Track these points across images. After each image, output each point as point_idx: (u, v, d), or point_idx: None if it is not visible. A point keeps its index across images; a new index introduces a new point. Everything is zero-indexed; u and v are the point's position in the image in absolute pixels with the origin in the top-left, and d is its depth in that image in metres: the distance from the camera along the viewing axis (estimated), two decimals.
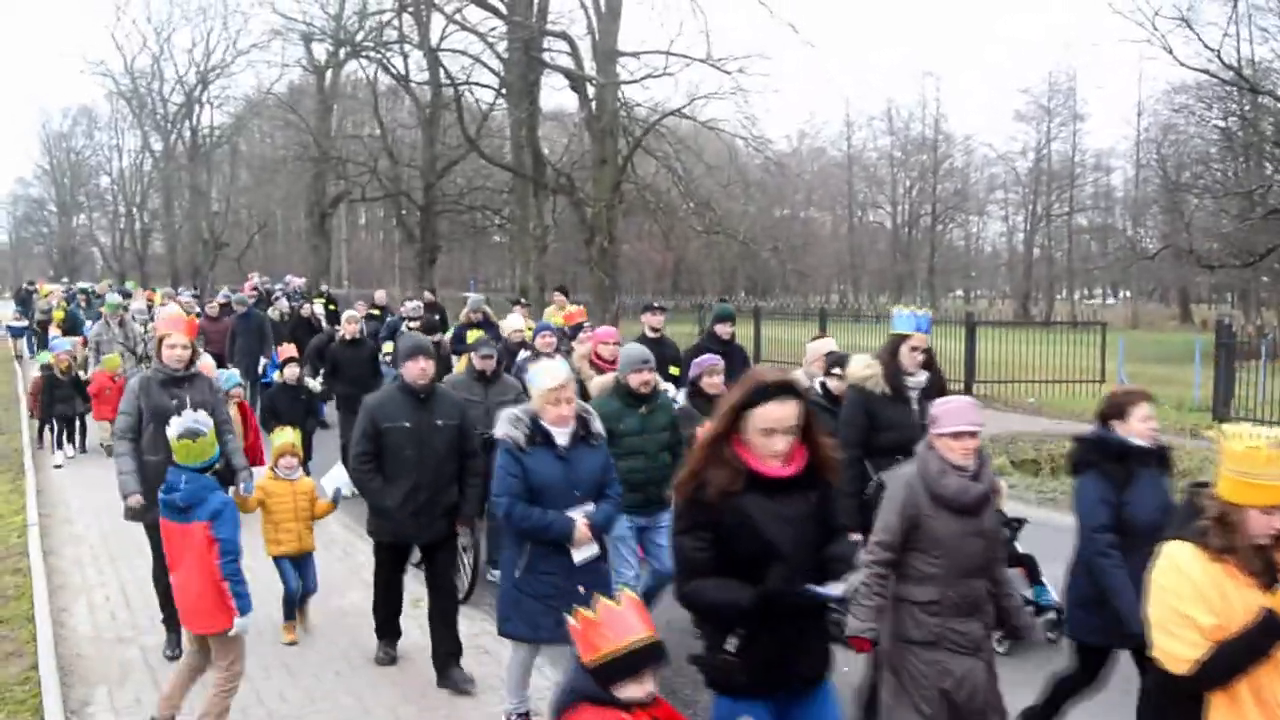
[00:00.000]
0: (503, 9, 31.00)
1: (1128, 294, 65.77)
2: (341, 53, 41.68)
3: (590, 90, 29.60)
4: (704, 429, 4.39)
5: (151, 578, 8.19)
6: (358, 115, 47.31)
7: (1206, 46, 28.37)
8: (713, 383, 8.41)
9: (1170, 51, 27.87)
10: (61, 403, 15.94)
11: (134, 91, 65.57)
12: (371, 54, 38.79)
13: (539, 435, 6.20)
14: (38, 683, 7.33)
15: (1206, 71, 30.37)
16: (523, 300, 19.48)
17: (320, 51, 43.46)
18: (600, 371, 10.15)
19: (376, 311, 20.95)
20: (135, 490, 7.57)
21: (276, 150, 54.19)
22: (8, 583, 9.71)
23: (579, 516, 6.14)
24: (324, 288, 28.24)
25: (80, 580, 9.86)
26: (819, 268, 63.32)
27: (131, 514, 7.80)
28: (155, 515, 6.57)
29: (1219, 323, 20.71)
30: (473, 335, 13.95)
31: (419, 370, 7.43)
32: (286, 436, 8.73)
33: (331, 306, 24.07)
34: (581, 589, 5.97)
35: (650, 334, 12.02)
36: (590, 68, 29.66)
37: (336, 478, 9.07)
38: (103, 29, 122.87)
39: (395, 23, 36.22)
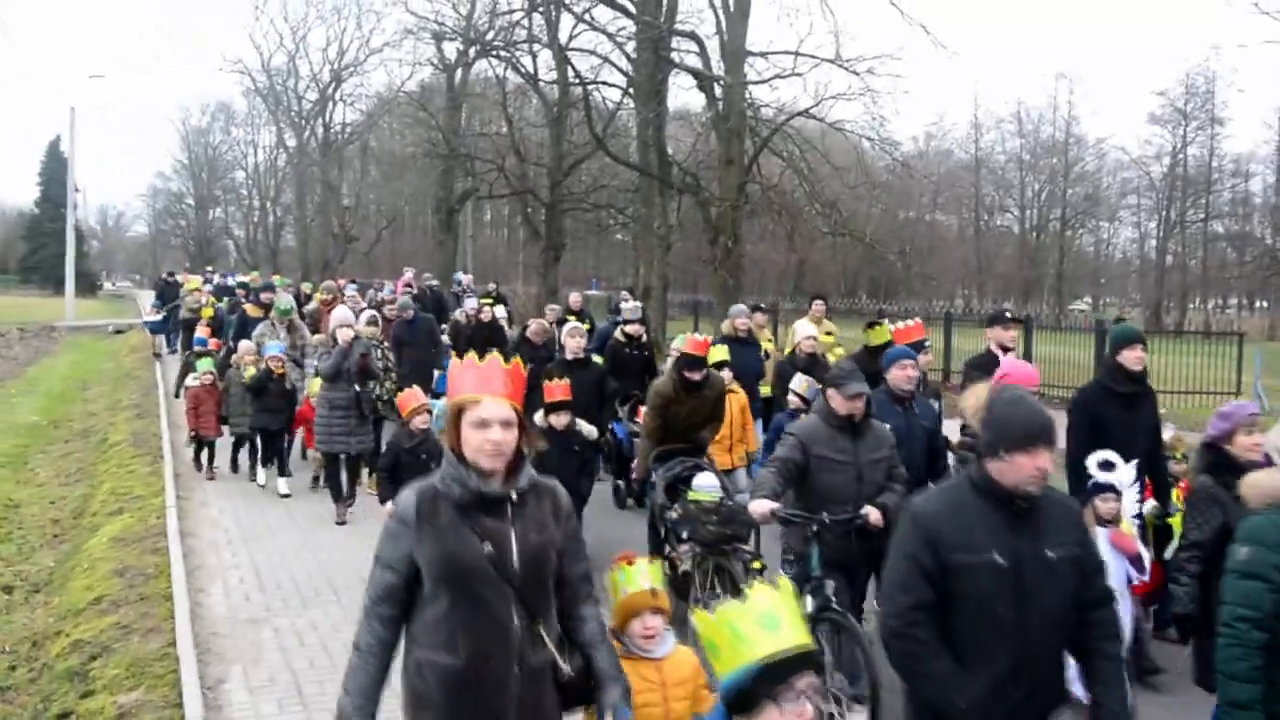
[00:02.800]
0: (632, 9, 31.09)
1: (1265, 304, 63.71)
2: (471, 52, 42.12)
3: (718, 90, 29.53)
4: None
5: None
6: (486, 113, 47.79)
7: None
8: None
9: None
10: (268, 412, 13.35)
11: (270, 89, 67.21)
12: (501, 53, 39.15)
13: None
14: (175, 659, 7.55)
15: None
16: (821, 300, 15.48)
17: (451, 50, 44.00)
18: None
19: (571, 317, 17.21)
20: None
21: (406, 147, 54.98)
22: (148, 562, 10.02)
23: None
24: (492, 286, 25.29)
25: (216, 562, 10.14)
26: (944, 271, 62.34)
27: None
28: None
29: None
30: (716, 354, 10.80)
31: (1036, 469, 3.94)
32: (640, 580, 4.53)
33: (504, 307, 20.93)
34: None
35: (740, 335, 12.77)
36: (718, 68, 29.59)
37: None
38: (241, 28, 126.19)
39: (525, 22, 36.53)
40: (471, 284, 25.17)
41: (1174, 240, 64.51)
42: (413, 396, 9.55)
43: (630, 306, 14.50)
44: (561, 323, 16.64)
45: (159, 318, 28.78)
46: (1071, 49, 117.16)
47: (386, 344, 14.14)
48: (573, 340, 11.34)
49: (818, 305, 15.18)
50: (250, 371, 13.45)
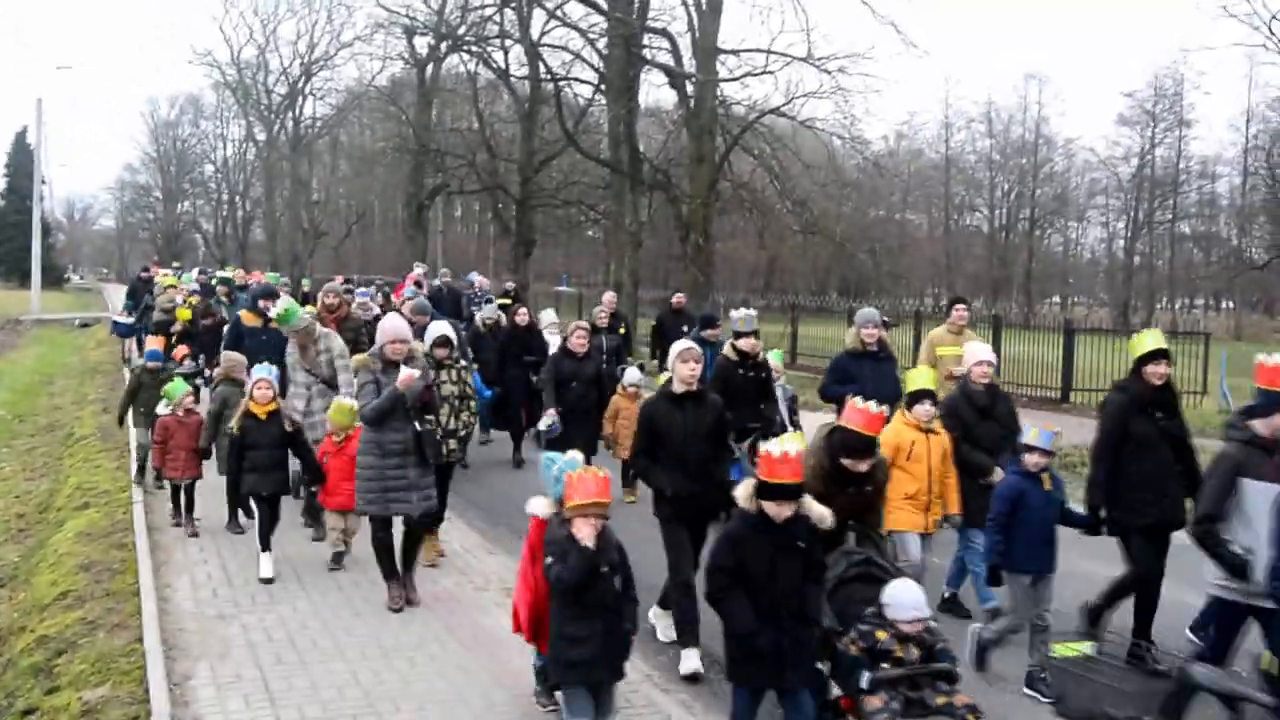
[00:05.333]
0: (604, 5, 31.15)
1: (1231, 305, 64.27)
2: (443, 47, 42.08)
3: (689, 87, 29.63)
4: None
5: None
6: (457, 109, 47.70)
7: None
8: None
9: None
10: (257, 472, 9.57)
11: (239, 82, 66.84)
12: (472, 48, 39.19)
13: None
14: (142, 655, 7.50)
15: None
16: (963, 304, 12.61)
17: (422, 45, 43.95)
18: None
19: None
20: None
21: (376, 142, 54.94)
22: (114, 557, 9.96)
23: None
24: (510, 285, 22.90)
25: (183, 557, 10.07)
26: (914, 270, 62.65)
27: None
28: None
29: None
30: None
31: None
32: None
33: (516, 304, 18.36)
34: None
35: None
36: (690, 65, 29.67)
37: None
38: (210, 20, 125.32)
39: (497, 17, 36.57)
40: (485, 285, 22.38)
41: (1141, 240, 65.07)
42: None
43: (744, 315, 11.08)
44: (609, 329, 15.77)
45: (129, 320, 24.95)
46: (1041, 51, 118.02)
47: (466, 363, 11.00)
48: (686, 367, 7.72)
49: (959, 311, 12.14)
50: (238, 420, 9.73)
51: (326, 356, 10.87)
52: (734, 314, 11.35)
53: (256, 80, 66.47)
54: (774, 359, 11.36)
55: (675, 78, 30.19)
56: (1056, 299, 70.32)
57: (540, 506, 6.20)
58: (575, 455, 6.23)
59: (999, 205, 69.77)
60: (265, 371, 9.80)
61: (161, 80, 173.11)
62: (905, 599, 6.01)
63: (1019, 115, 68.19)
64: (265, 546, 9.39)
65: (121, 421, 13.02)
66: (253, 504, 9.88)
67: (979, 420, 8.68)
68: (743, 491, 5.89)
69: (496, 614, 8.44)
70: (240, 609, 8.60)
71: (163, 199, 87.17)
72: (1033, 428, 7.43)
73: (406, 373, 8.32)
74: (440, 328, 10.31)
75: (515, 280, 23.19)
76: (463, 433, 10.08)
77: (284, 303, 11.54)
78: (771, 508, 5.77)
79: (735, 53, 29.81)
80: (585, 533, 5.71)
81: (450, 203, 61.02)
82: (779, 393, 11.25)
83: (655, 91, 50.11)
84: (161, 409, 11.24)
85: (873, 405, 6.79)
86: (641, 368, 14.28)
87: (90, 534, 10.84)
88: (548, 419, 11.88)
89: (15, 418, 20.54)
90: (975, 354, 9.07)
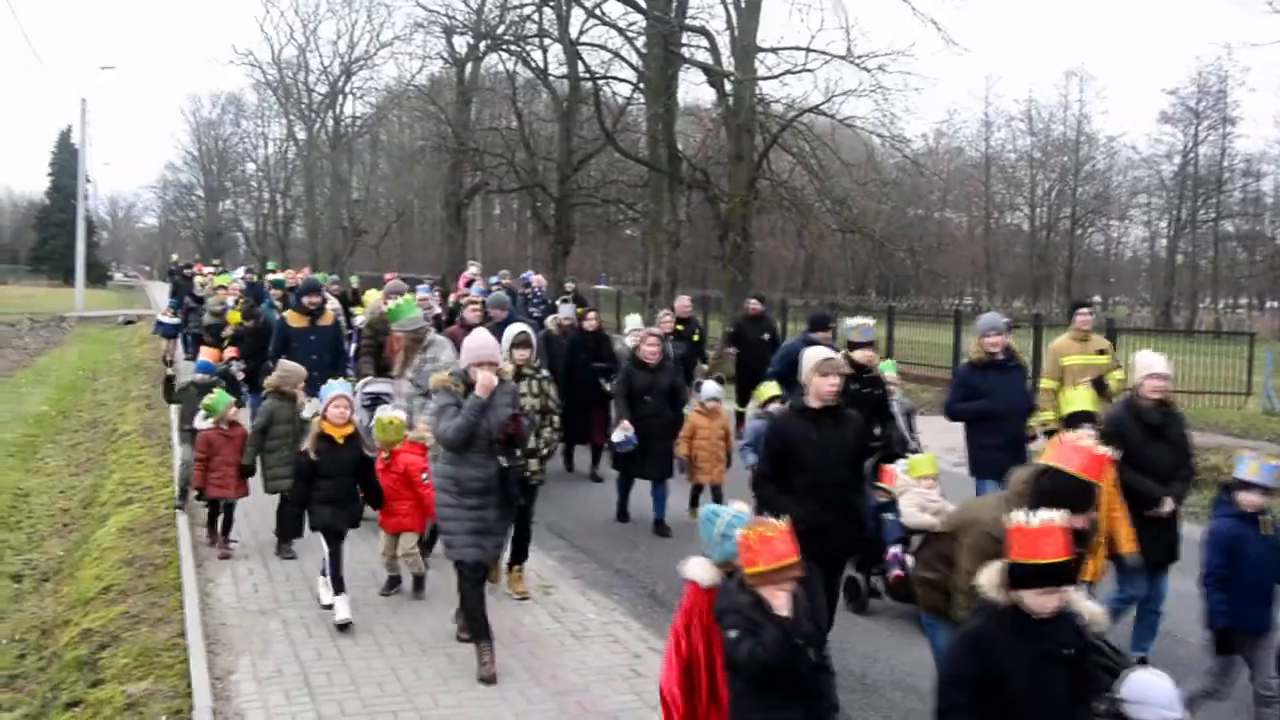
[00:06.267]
0: (643, 4, 31.10)
1: (1276, 304, 63.52)
2: (482, 46, 42.19)
3: (728, 86, 29.53)
4: None
5: None
6: (496, 108, 47.82)
7: None
8: None
9: None
10: (333, 505, 8.32)
11: (280, 81, 67.37)
12: (511, 47, 39.27)
13: None
14: (184, 649, 7.57)
15: None
16: (1087, 310, 11.58)
17: (461, 44, 44.11)
18: None
19: (680, 326, 15.85)
20: None
21: (415, 141, 55.14)
22: (156, 552, 10.04)
23: None
24: (570, 285, 21.58)
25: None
26: (953, 269, 62.35)
27: None
28: None
29: None
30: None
31: None
32: None
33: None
34: None
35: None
36: (729, 63, 29.59)
37: None
38: (252, 20, 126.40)
39: (535, 16, 36.60)
40: (543, 286, 21.17)
41: (1184, 239, 64.37)
42: None
43: (859, 324, 10.20)
44: (677, 335, 14.98)
45: (173, 320, 23.86)
46: (1083, 48, 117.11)
47: (545, 373, 9.42)
48: (826, 381, 6.82)
49: (1083, 316, 11.13)
50: (314, 439, 8.34)
51: (433, 367, 9.45)
52: (848, 322, 10.42)
53: (297, 79, 67.02)
54: (889, 371, 10.62)
55: (714, 76, 30.12)
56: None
57: (701, 571, 5.30)
58: (741, 507, 5.30)
59: (1039, 204, 69.26)
60: (342, 387, 8.58)
61: (203, 80, 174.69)
62: (1157, 696, 4.63)
63: (1060, 113, 67.72)
64: (340, 587, 8.19)
65: (168, 399, 12.70)
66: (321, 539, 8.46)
67: (1148, 441, 7.61)
68: (990, 578, 4.49)
69: (536, 612, 8.50)
70: (280, 604, 8.67)
71: (205, 197, 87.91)
72: (1251, 461, 6.39)
73: (486, 375, 7.16)
74: (519, 326, 9.42)
75: (573, 281, 22.13)
76: (544, 452, 9.14)
77: (401, 300, 10.53)
78: (1033, 599, 4.32)
79: (774, 51, 29.72)
80: (780, 601, 4.74)
81: (489, 201, 61.27)
82: (895, 407, 10.55)
83: (694, 90, 50.30)
84: (201, 422, 10.34)
85: (1090, 440, 5.44)
86: (720, 381, 13.40)
87: (133, 529, 10.94)
88: (622, 431, 11.24)
89: (60, 413, 20.74)
90: (1148, 365, 7.85)
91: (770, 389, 10.77)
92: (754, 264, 33.10)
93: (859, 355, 9.59)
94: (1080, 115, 66.97)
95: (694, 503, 11.61)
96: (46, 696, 7.57)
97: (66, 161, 76.50)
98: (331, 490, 8.20)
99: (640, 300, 28.48)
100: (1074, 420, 7.53)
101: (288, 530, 9.51)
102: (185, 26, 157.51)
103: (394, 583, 8.98)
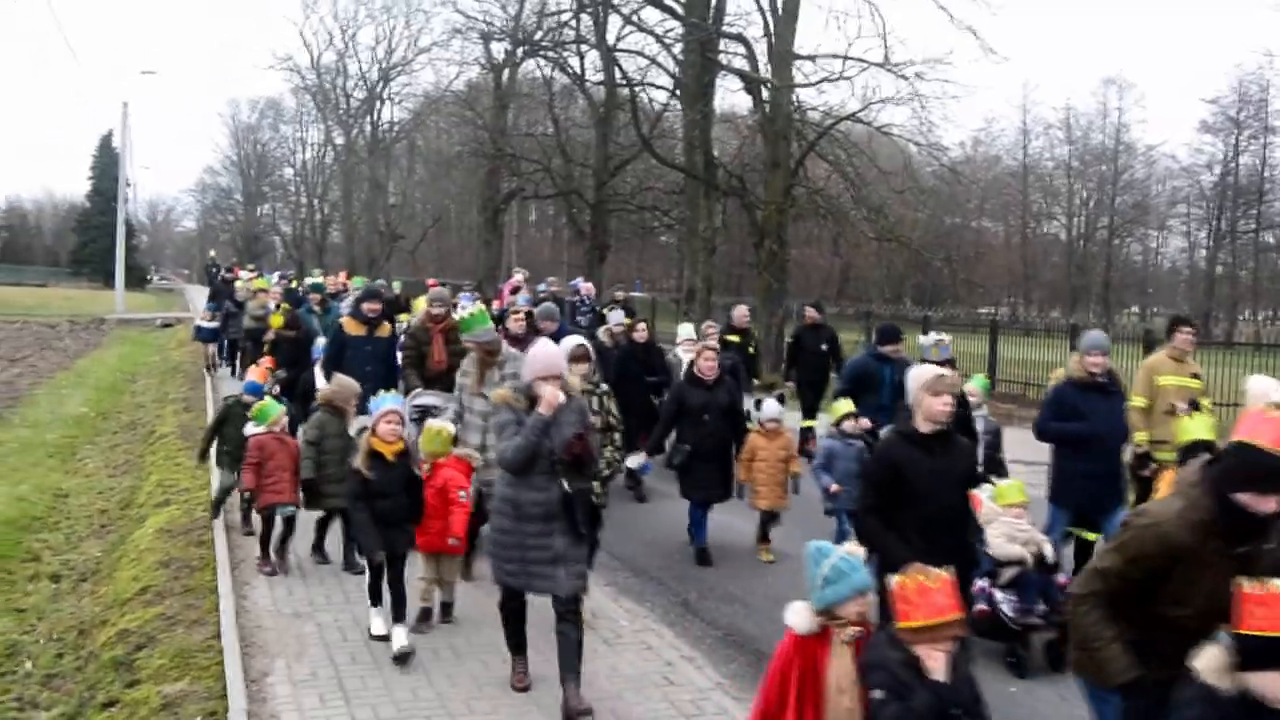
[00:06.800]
0: (680, 10, 31.11)
1: None
2: (519, 52, 42.33)
3: (765, 93, 29.50)
4: None
5: None
6: (533, 113, 47.98)
7: None
8: None
9: None
10: (394, 526, 7.81)
11: (319, 87, 67.80)
12: (548, 53, 39.40)
13: None
14: (220, 651, 7.60)
15: None
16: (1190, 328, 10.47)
17: (498, 50, 44.25)
18: None
19: (736, 338, 15.17)
20: None
21: (452, 146, 55.30)
22: (193, 554, 10.10)
23: None
24: (619, 293, 20.20)
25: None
26: (990, 279, 62.00)
27: None
28: None
29: None
30: None
31: None
32: None
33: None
34: None
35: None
36: (765, 70, 29.55)
37: None
38: (291, 26, 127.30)
39: (573, 23, 36.68)
40: (591, 294, 20.23)
41: (1224, 250, 63.88)
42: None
43: (936, 340, 9.93)
44: (730, 346, 14.06)
45: (213, 324, 23.69)
46: (1122, 55, 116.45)
47: (604, 387, 9.00)
48: (939, 401, 6.29)
49: (1184, 335, 10.12)
50: (366, 452, 7.79)
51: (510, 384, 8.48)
52: (922, 339, 9.72)
53: (335, 85, 67.50)
54: (976, 385, 9.93)
55: (751, 83, 30.08)
56: (1135, 309, 69.25)
57: (799, 618, 4.62)
58: (853, 549, 4.68)
59: (1077, 213, 68.86)
60: (393, 401, 8.06)
61: (243, 84, 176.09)
62: None
63: (1098, 122, 67.36)
64: (400, 615, 7.70)
65: (204, 456, 11.59)
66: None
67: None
68: (1210, 660, 3.75)
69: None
70: (316, 608, 8.69)
71: (243, 201, 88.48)
72: None
73: (550, 391, 6.52)
74: (577, 339, 8.93)
75: (622, 289, 21.33)
76: (606, 473, 8.62)
77: (469, 311, 9.69)
78: (1275, 682, 3.61)
79: (811, 58, 29.66)
80: (937, 662, 4.21)
81: (525, 207, 61.32)
82: (979, 425, 9.86)
83: (730, 97, 50.12)
84: (252, 429, 10.04)
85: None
86: (781, 399, 12.47)
87: (170, 531, 11.02)
88: (636, 459, 10.58)
89: (99, 415, 20.92)
90: (1264, 393, 7.46)
91: (844, 406, 10.29)
92: (789, 271, 33.01)
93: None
94: (1119, 124, 66.65)
95: (763, 535, 10.72)
96: (83, 696, 7.64)
97: (107, 165, 77.15)
98: (387, 510, 7.72)
99: (675, 307, 28.43)
100: (1191, 450, 6.74)
101: (366, 545, 7.95)
102: (225, 32, 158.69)
103: (426, 615, 8.30)
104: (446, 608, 8.46)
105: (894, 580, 4.32)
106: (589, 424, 6.92)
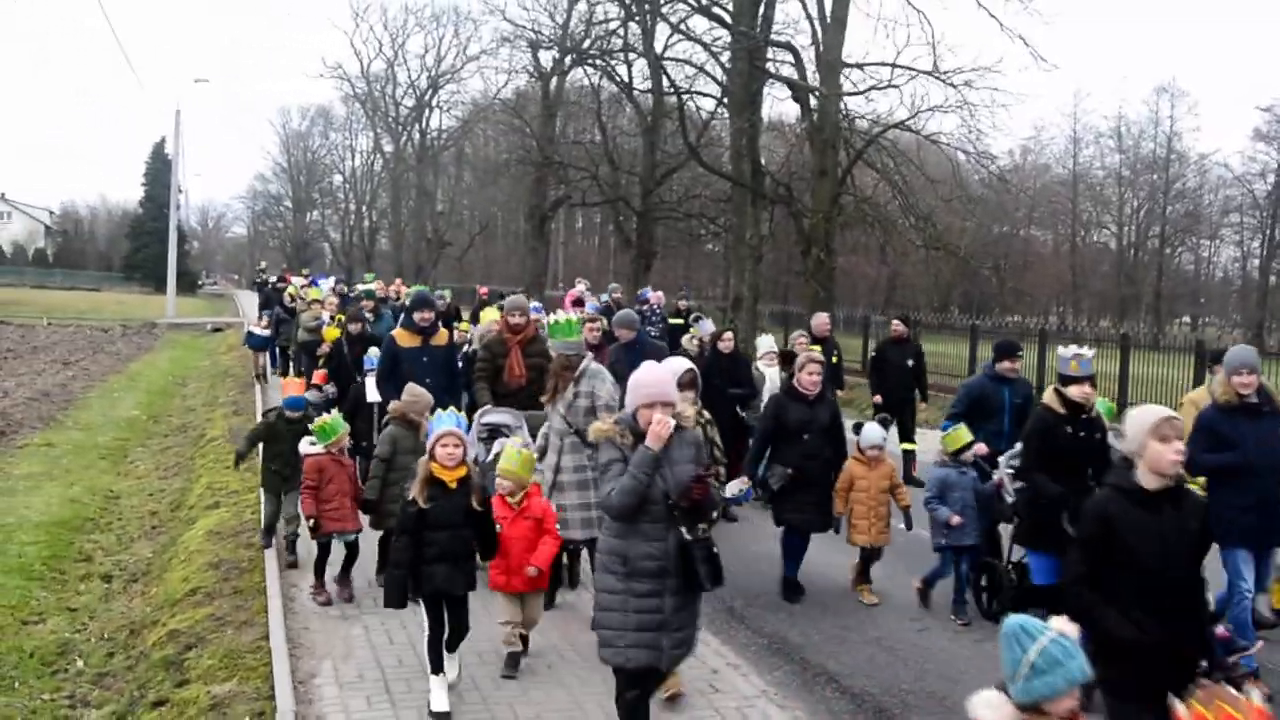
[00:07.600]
0: (728, 19, 31.12)
1: None
2: (567, 60, 42.51)
3: (812, 101, 29.43)
4: None
5: None
6: (580, 121, 48.13)
7: None
8: None
9: None
10: (451, 564, 6.82)
11: (368, 95, 68.35)
12: (596, 62, 39.52)
13: None
14: (268, 652, 7.67)
15: None
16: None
17: (546, 59, 44.52)
18: None
19: (817, 348, 12.78)
20: None
21: (500, 154, 55.63)
22: (242, 556, 10.20)
23: None
24: (684, 302, 19.19)
25: (307, 556, 10.26)
26: (1039, 288, 61.56)
27: None
28: None
29: None
30: None
31: None
32: None
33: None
34: None
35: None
36: (813, 78, 29.49)
37: None
38: (341, 35, 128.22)
39: (620, 31, 36.83)
40: (660, 302, 19.35)
41: (1278, 260, 63.02)
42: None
43: (1077, 353, 8.04)
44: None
45: (264, 332, 22.78)
46: (1174, 63, 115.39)
47: (707, 415, 8.81)
48: (1169, 449, 5.06)
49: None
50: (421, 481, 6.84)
51: (588, 402, 8.30)
52: (1062, 351, 8.17)
53: (385, 93, 68.01)
54: (1103, 409, 8.39)
55: (798, 91, 30.02)
56: (1186, 319, 68.52)
57: (993, 713, 3.62)
58: (1065, 626, 3.58)
59: (1128, 222, 68.19)
60: (450, 421, 7.00)
61: (293, 93, 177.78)
62: None
63: (1150, 130, 66.66)
64: (438, 667, 6.89)
65: (239, 463, 10.99)
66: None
67: None
68: None
69: None
70: (363, 610, 8.74)
71: (292, 208, 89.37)
72: None
73: (659, 420, 5.53)
74: (684, 362, 8.18)
75: (686, 299, 20.36)
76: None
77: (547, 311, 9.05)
78: None
79: (859, 66, 29.57)
80: None
81: (572, 215, 61.60)
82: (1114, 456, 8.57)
83: (778, 105, 50.27)
84: (308, 447, 9.23)
85: None
86: (885, 424, 11.18)
87: (220, 533, 11.13)
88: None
89: (150, 418, 21.16)
90: None
91: (963, 435, 9.30)
92: (836, 280, 32.91)
93: (1074, 391, 7.80)
94: (1171, 132, 65.93)
95: (863, 573, 9.79)
96: (134, 695, 7.72)
97: (160, 172, 78.08)
98: (445, 544, 6.73)
99: (721, 314, 28.40)
100: None
101: (391, 598, 6.93)
102: (277, 40, 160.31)
103: (514, 661, 7.51)
104: (514, 659, 7.60)
105: (1182, 709, 3.37)
106: (706, 462, 6.09)
